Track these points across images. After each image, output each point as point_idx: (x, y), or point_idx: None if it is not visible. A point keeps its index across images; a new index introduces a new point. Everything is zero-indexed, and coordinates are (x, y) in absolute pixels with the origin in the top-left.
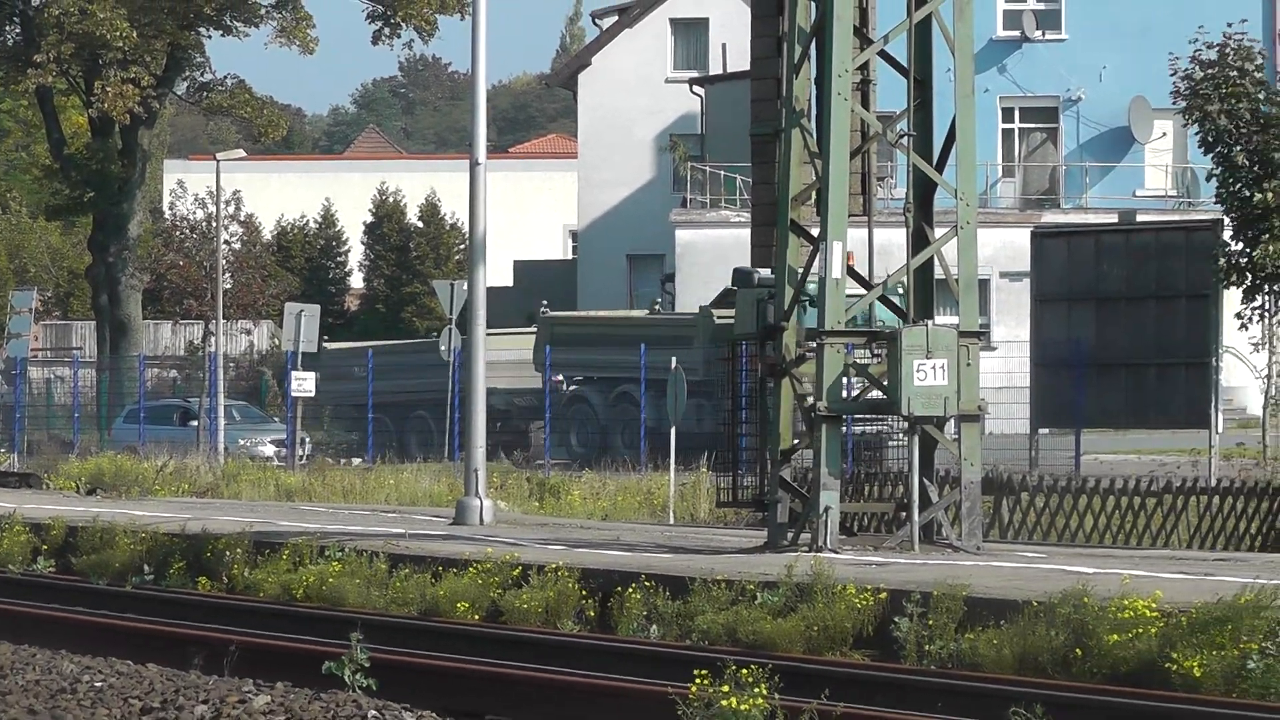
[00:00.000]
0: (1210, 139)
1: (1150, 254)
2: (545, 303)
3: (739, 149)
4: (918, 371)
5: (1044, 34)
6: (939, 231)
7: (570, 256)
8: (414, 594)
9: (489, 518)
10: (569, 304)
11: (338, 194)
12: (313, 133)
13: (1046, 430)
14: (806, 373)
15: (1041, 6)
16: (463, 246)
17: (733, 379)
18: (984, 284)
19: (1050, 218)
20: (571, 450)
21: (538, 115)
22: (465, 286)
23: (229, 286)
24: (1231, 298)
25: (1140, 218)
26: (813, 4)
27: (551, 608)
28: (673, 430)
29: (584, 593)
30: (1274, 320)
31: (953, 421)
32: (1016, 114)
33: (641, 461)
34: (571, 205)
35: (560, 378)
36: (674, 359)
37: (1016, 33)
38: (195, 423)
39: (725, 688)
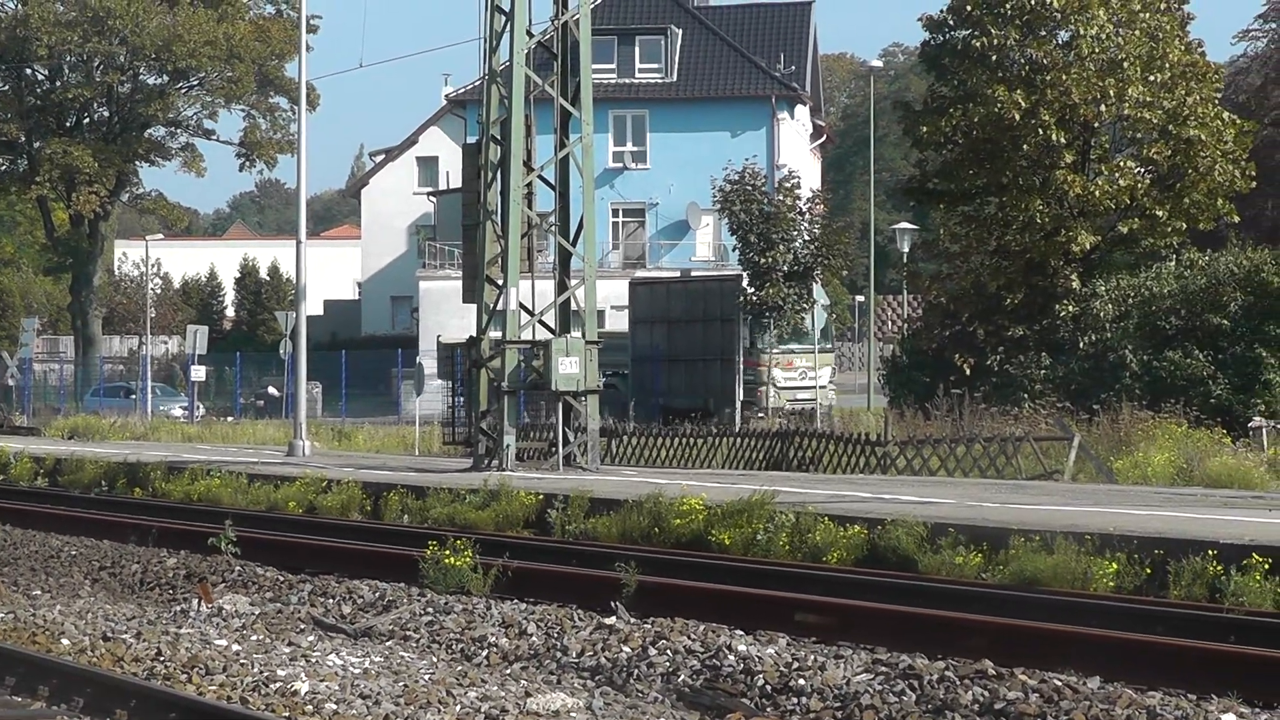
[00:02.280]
0: (734, 226)
1: (700, 295)
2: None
3: (457, 233)
4: (561, 365)
5: (636, 165)
6: (573, 281)
7: (356, 298)
8: (263, 497)
9: (308, 452)
10: (355, 329)
11: (219, 260)
12: (203, 223)
13: (637, 399)
14: (495, 365)
15: (634, 149)
16: (292, 292)
17: (453, 371)
18: (601, 313)
19: (641, 274)
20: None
21: (337, 213)
22: (294, 315)
23: (153, 315)
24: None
25: (694, 273)
26: (497, 148)
27: (345, 505)
28: (417, 400)
29: (364, 496)
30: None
31: (584, 393)
32: (620, 212)
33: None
34: (357, 267)
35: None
36: (419, 360)
37: (620, 164)
38: (133, 396)
39: (447, 551)
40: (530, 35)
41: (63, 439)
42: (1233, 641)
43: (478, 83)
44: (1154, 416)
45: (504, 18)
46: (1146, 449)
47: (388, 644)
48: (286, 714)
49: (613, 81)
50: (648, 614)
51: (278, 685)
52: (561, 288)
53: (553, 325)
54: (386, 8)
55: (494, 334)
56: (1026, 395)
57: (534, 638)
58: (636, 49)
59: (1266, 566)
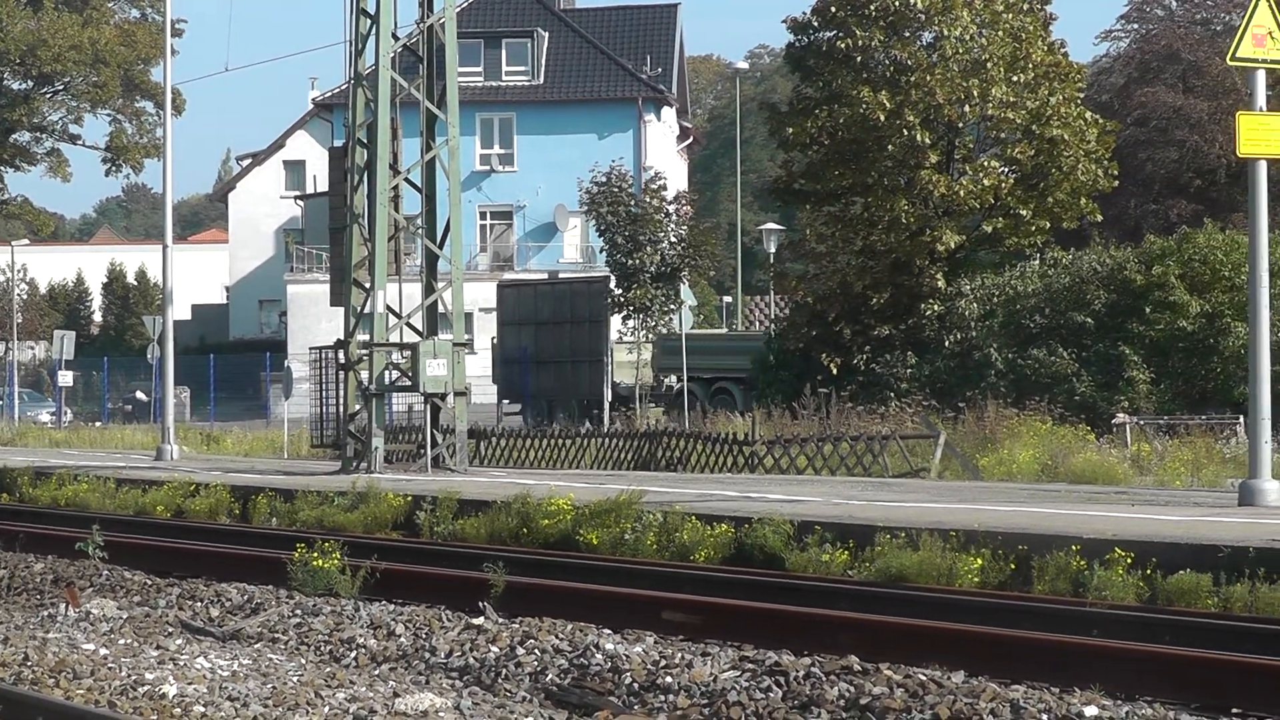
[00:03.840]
0: (602, 228)
1: (568, 296)
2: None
3: (325, 237)
4: (429, 366)
5: (504, 168)
6: (441, 284)
7: (225, 302)
8: (131, 501)
9: (176, 456)
10: (224, 333)
11: (86, 265)
12: (70, 228)
13: (506, 400)
14: (363, 368)
15: (502, 152)
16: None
17: (322, 374)
18: (469, 315)
19: (509, 276)
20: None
21: (204, 218)
22: (161, 320)
23: (20, 320)
24: (614, 322)
25: (562, 275)
26: (363, 151)
27: (214, 509)
28: (285, 404)
29: (233, 499)
30: (642, 333)
31: (451, 395)
32: (488, 215)
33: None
34: (225, 271)
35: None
36: (287, 364)
37: (487, 167)
38: (1, 402)
39: (315, 554)
40: (396, 39)
41: None
42: (1096, 635)
43: (344, 87)
44: (1019, 414)
45: (369, 21)
46: (1011, 446)
47: (256, 646)
48: (155, 717)
49: (480, 84)
50: (516, 614)
51: (146, 688)
52: (429, 290)
53: (420, 328)
54: (252, 12)
55: (362, 337)
56: (893, 394)
57: (402, 638)
58: (503, 52)
59: (1129, 561)
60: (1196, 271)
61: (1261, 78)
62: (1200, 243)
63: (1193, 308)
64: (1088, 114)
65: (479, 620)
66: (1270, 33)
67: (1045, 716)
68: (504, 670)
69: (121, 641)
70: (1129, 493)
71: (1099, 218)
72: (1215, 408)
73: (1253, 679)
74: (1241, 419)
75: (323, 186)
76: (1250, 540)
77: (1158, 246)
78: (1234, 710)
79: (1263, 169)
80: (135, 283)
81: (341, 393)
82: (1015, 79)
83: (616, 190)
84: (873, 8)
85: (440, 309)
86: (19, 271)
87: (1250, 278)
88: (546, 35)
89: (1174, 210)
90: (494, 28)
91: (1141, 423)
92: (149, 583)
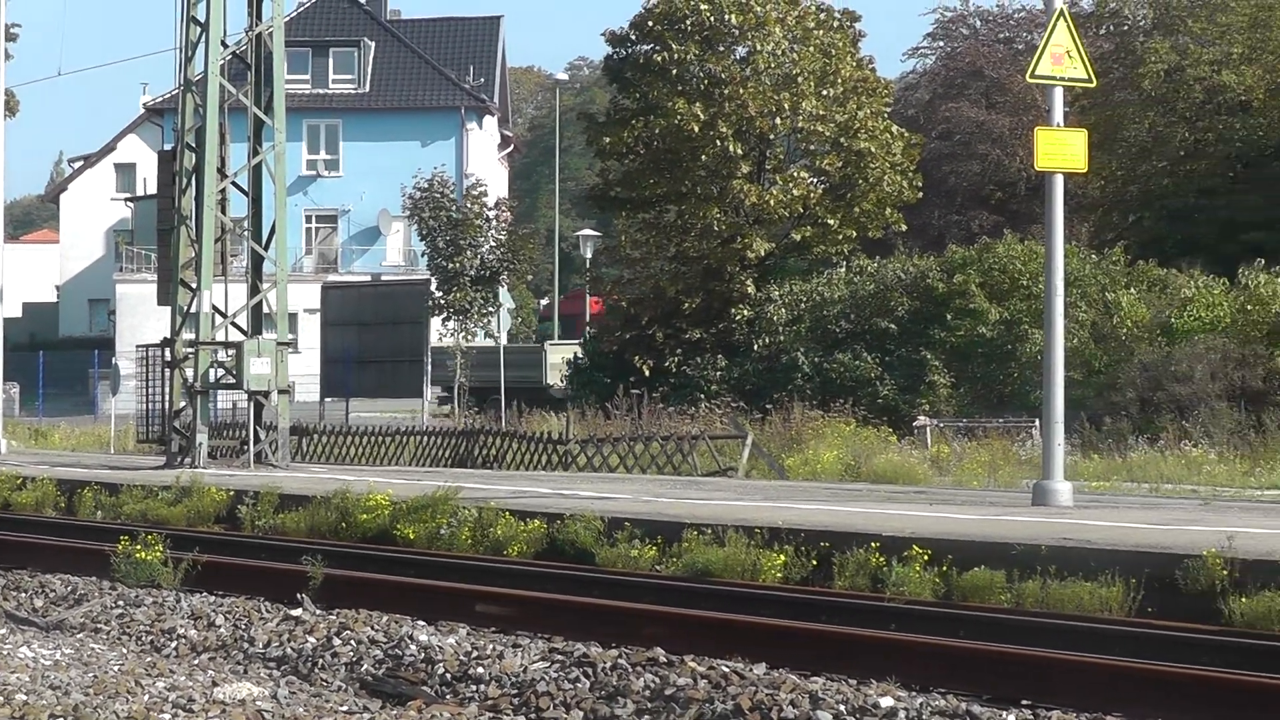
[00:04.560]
0: (424, 233)
1: (390, 298)
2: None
3: (154, 238)
4: (253, 365)
5: (330, 173)
6: (265, 285)
7: (55, 301)
8: None
9: (4, 450)
10: (54, 331)
11: None
12: None
13: (330, 399)
14: (189, 366)
15: (328, 157)
16: None
17: (149, 371)
18: (294, 316)
19: (334, 278)
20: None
21: (36, 218)
22: None
23: None
24: (435, 324)
25: (385, 277)
26: (192, 155)
27: (40, 502)
28: (113, 400)
29: (59, 493)
30: (461, 335)
31: (274, 393)
32: (314, 218)
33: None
34: (56, 270)
35: None
36: (115, 361)
37: (314, 172)
38: None
39: (138, 546)
40: (225, 46)
41: None
42: (893, 629)
43: (175, 92)
44: (824, 415)
45: (199, 29)
46: (816, 446)
47: (79, 636)
48: None
49: (307, 92)
50: (334, 606)
51: None
52: (254, 291)
53: (245, 327)
54: (85, 17)
55: (188, 335)
56: (703, 395)
57: (222, 629)
58: (330, 60)
59: (926, 558)
60: (996, 280)
61: (1059, 94)
62: (1000, 252)
63: (992, 315)
64: (894, 128)
65: (297, 612)
66: (1068, 51)
67: (843, 708)
68: (321, 660)
69: None
70: (928, 492)
71: (903, 227)
72: (1012, 411)
73: (1040, 672)
74: (1037, 422)
75: (152, 189)
76: (1042, 539)
77: (959, 256)
78: (1023, 702)
79: (1059, 182)
80: None
81: (167, 390)
82: (825, 93)
83: (438, 196)
84: (688, 23)
85: (265, 309)
86: None
87: (1046, 286)
88: (373, 45)
89: (975, 221)
90: (322, 37)
91: (941, 425)
92: None
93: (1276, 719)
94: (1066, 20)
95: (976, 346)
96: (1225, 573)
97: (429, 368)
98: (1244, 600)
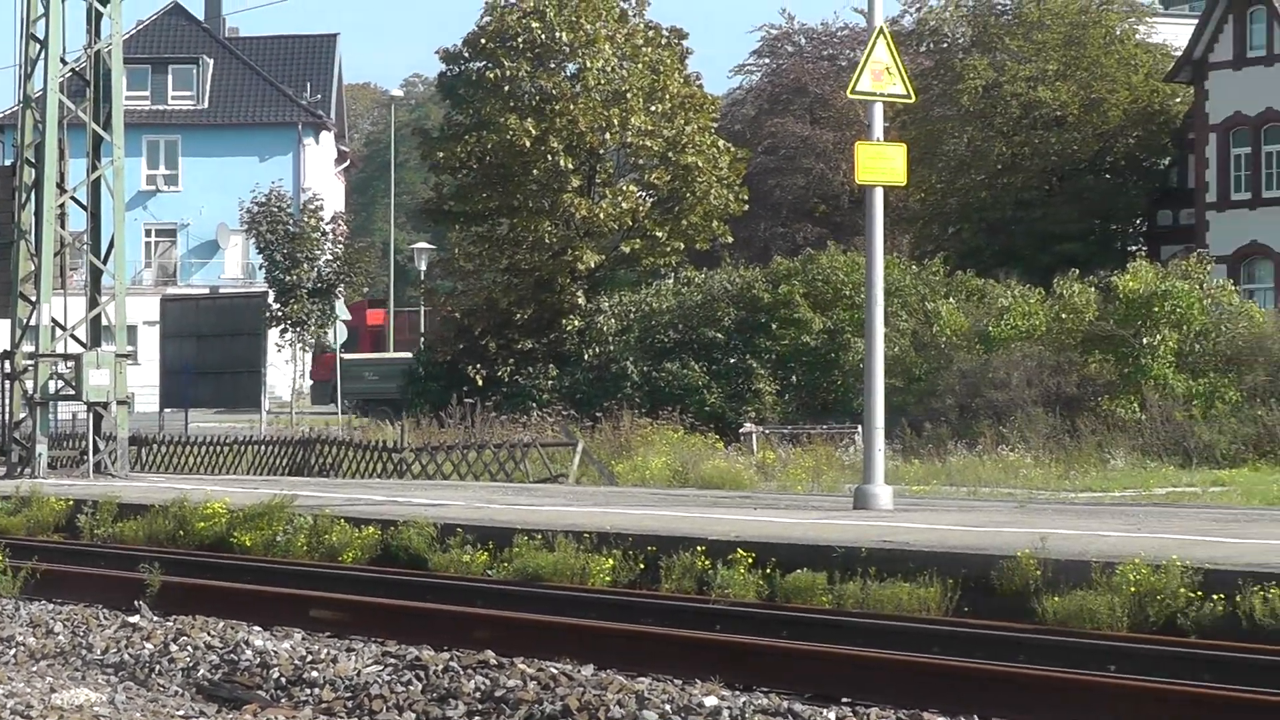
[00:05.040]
0: (262, 246)
1: (228, 310)
2: None
3: None
4: (92, 377)
5: (169, 187)
6: (104, 298)
7: None
8: None
9: None
10: None
11: None
12: None
13: (169, 409)
14: (29, 377)
15: (167, 172)
16: None
17: None
18: (133, 328)
19: (173, 291)
20: None
21: None
22: None
23: None
24: (274, 335)
25: (223, 290)
26: (32, 170)
27: None
28: None
29: None
30: (297, 346)
31: (114, 404)
32: (153, 232)
33: None
34: None
35: None
36: None
37: (153, 186)
38: None
39: None
40: (64, 63)
41: None
42: (718, 630)
43: (14, 108)
44: (653, 423)
45: (39, 46)
46: (645, 453)
47: None
48: None
49: (146, 108)
50: (171, 613)
51: None
52: (93, 304)
53: (84, 339)
54: None
55: (28, 348)
56: (535, 404)
57: (60, 636)
58: (169, 77)
59: (750, 560)
60: (819, 290)
61: (879, 110)
62: (823, 263)
63: (815, 324)
64: (721, 142)
65: (135, 619)
66: (888, 68)
67: (668, 707)
68: (158, 666)
69: None
70: (753, 497)
71: (730, 239)
72: (835, 418)
73: (860, 671)
74: (859, 428)
75: None
76: (862, 541)
77: (784, 267)
78: (844, 700)
79: (879, 195)
80: None
81: (7, 401)
82: (653, 109)
83: (276, 210)
84: (520, 40)
85: (104, 322)
86: None
87: (867, 296)
88: (211, 62)
89: (800, 233)
90: (161, 54)
91: (767, 431)
92: None
93: (1083, 714)
94: (886, 38)
95: (801, 355)
96: (1038, 573)
97: (265, 377)
98: (1056, 599)
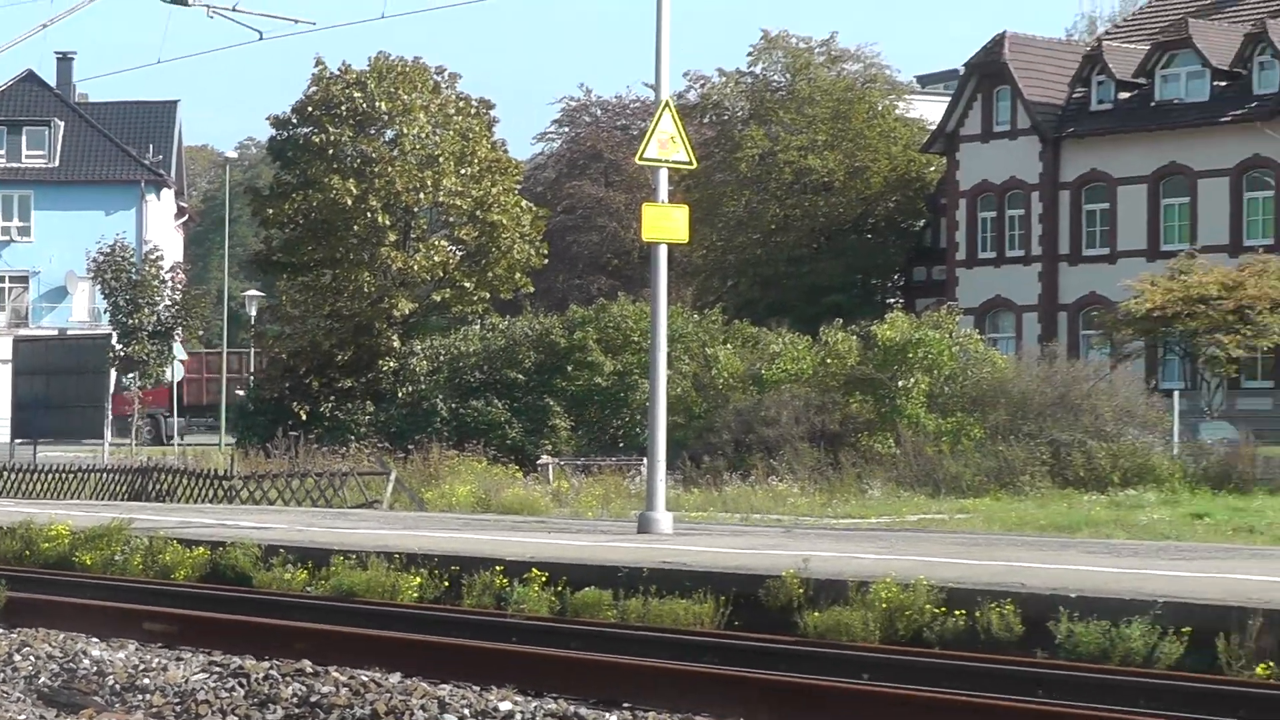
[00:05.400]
0: (107, 292)
1: (75, 350)
2: None
3: None
4: None
5: (22, 238)
6: None
7: None
8: None
9: None
10: None
11: None
12: None
13: (20, 440)
14: None
15: (20, 224)
16: None
17: None
18: None
19: (24, 332)
20: None
21: None
22: None
23: None
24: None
25: (71, 332)
26: None
27: None
28: None
29: None
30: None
31: None
32: (7, 279)
33: None
34: None
35: None
36: None
37: (7, 237)
38: None
39: None
40: None
41: None
42: (514, 642)
43: None
44: (459, 454)
45: None
46: (452, 482)
47: None
48: None
49: (2, 165)
50: (16, 625)
51: None
52: None
53: None
54: None
55: None
56: (353, 436)
57: None
58: (24, 137)
59: (544, 579)
60: (611, 336)
61: (664, 174)
62: (614, 312)
63: (607, 367)
64: (524, 202)
65: None
66: (672, 137)
67: (467, 711)
68: (2, 674)
69: None
70: (548, 522)
71: (531, 290)
72: (624, 451)
73: (640, 679)
74: (644, 460)
75: None
76: (644, 562)
77: (579, 315)
78: (624, 705)
79: (663, 251)
80: None
81: None
82: (463, 171)
83: (120, 260)
84: (343, 108)
85: None
86: None
87: (651, 342)
88: (62, 124)
89: (594, 284)
90: (16, 116)
91: (562, 463)
92: None
93: (833, 716)
94: (671, 110)
95: (593, 394)
96: (801, 591)
97: (109, 405)
98: (817, 614)
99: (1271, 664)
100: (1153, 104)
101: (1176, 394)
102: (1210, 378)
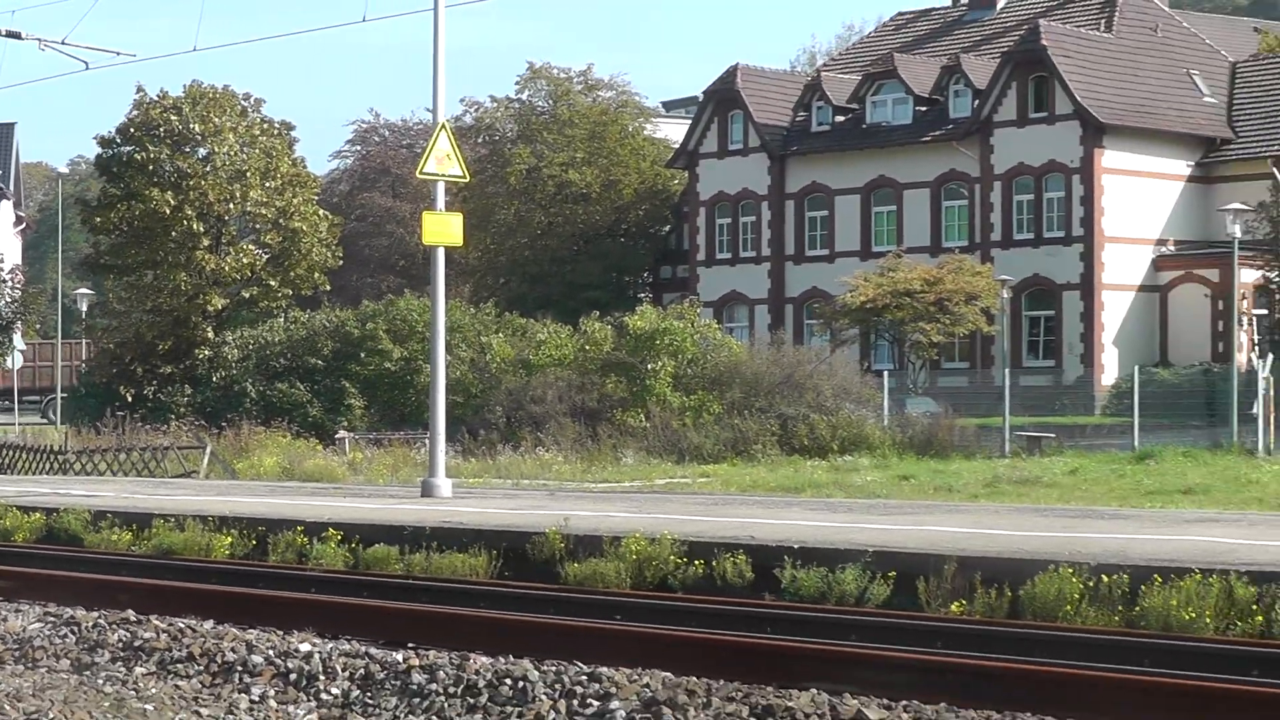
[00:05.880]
0: None
1: None
2: None
3: None
4: None
5: None
6: None
7: None
8: None
9: None
10: None
11: None
12: None
13: None
14: None
15: None
16: None
17: None
18: None
19: None
20: None
21: None
22: None
23: None
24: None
25: None
26: None
27: None
28: None
29: None
30: None
31: None
32: None
33: None
34: None
35: None
36: None
37: None
38: None
39: None
40: None
41: None
42: (313, 592)
43: None
44: (266, 430)
45: None
46: (260, 454)
47: None
48: None
49: None
50: None
51: None
52: None
53: None
54: None
55: None
56: (173, 416)
57: None
58: None
59: (339, 537)
60: (398, 327)
61: (441, 187)
62: (401, 306)
63: (395, 354)
64: (321, 211)
65: None
66: (448, 155)
67: (271, 651)
68: None
69: None
70: (344, 487)
71: (329, 288)
72: (410, 426)
73: (423, 623)
74: (428, 434)
75: None
76: (427, 521)
77: (371, 309)
78: (409, 645)
79: (441, 253)
80: None
81: None
82: (268, 185)
83: None
84: (161, 130)
85: None
86: None
87: (432, 332)
88: None
89: (384, 283)
90: None
91: (357, 437)
92: None
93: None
94: (448, 132)
95: (383, 378)
96: (562, 545)
97: None
98: (576, 565)
99: (964, 602)
100: (864, 126)
101: (886, 374)
102: (915, 360)
